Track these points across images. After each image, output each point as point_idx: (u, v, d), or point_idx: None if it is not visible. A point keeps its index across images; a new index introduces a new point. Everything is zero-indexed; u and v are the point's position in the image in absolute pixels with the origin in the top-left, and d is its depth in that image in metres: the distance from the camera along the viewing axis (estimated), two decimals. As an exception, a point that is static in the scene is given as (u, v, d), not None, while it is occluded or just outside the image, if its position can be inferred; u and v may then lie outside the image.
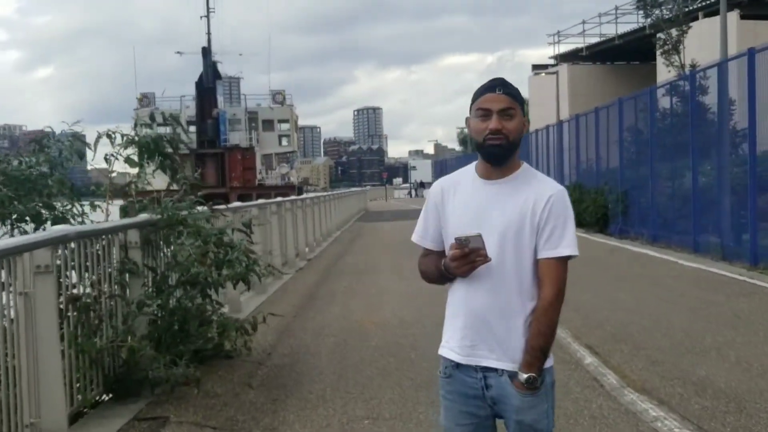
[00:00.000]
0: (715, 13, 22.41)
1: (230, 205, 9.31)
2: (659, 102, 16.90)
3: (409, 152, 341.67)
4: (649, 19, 25.30)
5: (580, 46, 38.76)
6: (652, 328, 7.58)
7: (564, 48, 40.04)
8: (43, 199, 5.90)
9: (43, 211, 5.85)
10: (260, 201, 13.12)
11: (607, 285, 10.74)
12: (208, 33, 48.11)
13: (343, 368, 6.44)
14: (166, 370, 5.27)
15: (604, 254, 14.60)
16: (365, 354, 6.91)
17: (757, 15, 24.64)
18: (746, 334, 7.24)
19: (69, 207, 6.04)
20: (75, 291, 5.08)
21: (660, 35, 23.41)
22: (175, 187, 6.69)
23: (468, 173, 2.67)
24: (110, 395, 5.42)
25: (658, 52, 24.02)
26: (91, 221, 6.09)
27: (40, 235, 4.60)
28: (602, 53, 37.27)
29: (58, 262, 4.81)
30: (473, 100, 2.60)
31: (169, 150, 6.39)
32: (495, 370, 2.55)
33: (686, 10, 23.98)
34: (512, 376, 2.53)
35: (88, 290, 5.19)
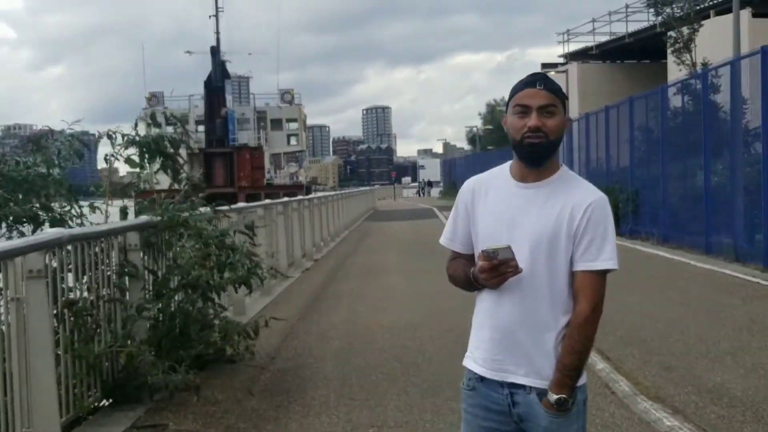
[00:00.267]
0: (727, 11, 22.20)
1: (234, 206, 9.15)
2: (670, 101, 16.70)
3: (418, 151, 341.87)
4: (660, 17, 25.05)
5: (590, 44, 38.55)
6: (665, 333, 7.40)
7: (574, 47, 39.88)
8: (40, 201, 5.77)
9: (40, 213, 5.73)
10: (266, 201, 12.98)
11: (617, 286, 10.49)
12: (217, 32, 47.99)
13: (347, 373, 6.29)
14: (165, 377, 5.13)
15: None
16: (371, 358, 6.76)
17: (769, 13, 24.40)
18: (762, 339, 7.05)
19: (68, 209, 5.92)
20: (71, 295, 4.95)
21: (671, 33, 23.20)
22: (177, 187, 6.57)
23: (502, 174, 2.48)
24: (109, 401, 5.31)
25: (669, 51, 23.81)
26: (90, 223, 5.96)
27: (32, 238, 4.46)
28: (612, 52, 37.02)
29: (55, 264, 4.69)
30: (511, 96, 2.42)
31: (171, 150, 6.25)
32: (523, 386, 2.38)
33: (697, 8, 23.76)
34: (541, 394, 2.35)
35: (85, 294, 5.06)
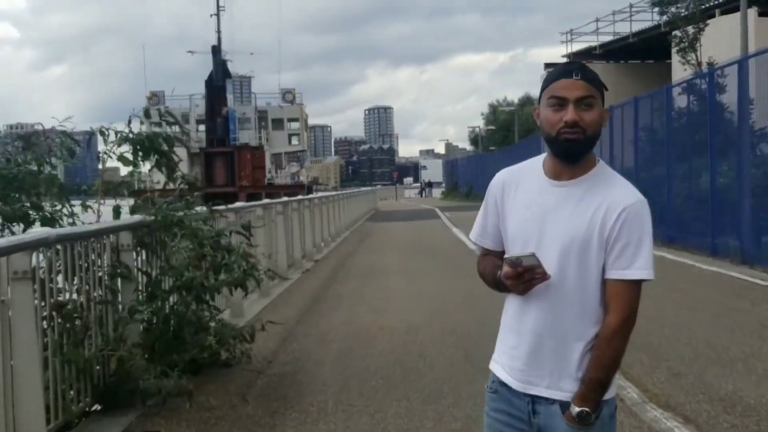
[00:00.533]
0: (732, 10, 22.01)
1: (231, 206, 8.95)
2: (675, 101, 16.51)
3: (420, 152, 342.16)
4: (664, 17, 24.87)
5: (593, 44, 38.35)
6: (673, 337, 7.22)
7: (577, 46, 39.65)
8: (31, 199, 5.60)
9: (30, 212, 5.55)
10: (265, 201, 12.81)
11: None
12: (218, 31, 47.89)
13: (346, 378, 6.11)
14: (157, 381, 4.96)
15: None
16: (370, 362, 6.58)
17: (775, 12, 24.21)
18: (773, 344, 6.87)
19: (59, 207, 5.75)
20: (60, 297, 4.78)
21: (676, 33, 23.02)
22: (173, 186, 6.40)
23: (534, 169, 2.29)
24: (100, 406, 5.13)
25: (673, 50, 23.64)
26: (83, 222, 5.78)
27: (16, 238, 4.28)
28: (616, 51, 36.83)
29: (43, 265, 4.52)
30: (544, 86, 2.21)
31: (165, 148, 6.07)
32: (545, 398, 2.22)
33: (702, 7, 23.58)
34: (564, 406, 2.19)
35: (74, 296, 4.88)
